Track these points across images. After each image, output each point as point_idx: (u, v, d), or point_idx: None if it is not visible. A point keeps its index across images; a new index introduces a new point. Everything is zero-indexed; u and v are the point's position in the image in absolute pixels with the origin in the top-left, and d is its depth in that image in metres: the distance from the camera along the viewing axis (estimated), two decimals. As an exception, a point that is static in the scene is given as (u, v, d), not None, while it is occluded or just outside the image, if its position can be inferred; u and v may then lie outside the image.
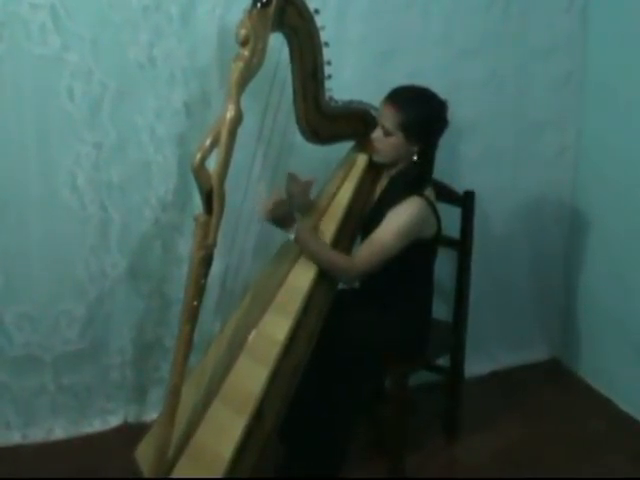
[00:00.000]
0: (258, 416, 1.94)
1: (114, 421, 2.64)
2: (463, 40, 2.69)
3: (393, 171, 2.29)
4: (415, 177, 2.22)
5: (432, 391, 2.74)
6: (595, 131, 2.90)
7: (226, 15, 2.36)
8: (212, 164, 1.80)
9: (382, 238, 2.15)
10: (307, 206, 2.28)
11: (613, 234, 2.83)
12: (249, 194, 2.08)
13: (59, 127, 2.33)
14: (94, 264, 2.48)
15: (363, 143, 2.33)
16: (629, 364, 2.77)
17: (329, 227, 2.22)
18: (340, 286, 2.27)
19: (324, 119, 2.18)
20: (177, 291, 2.46)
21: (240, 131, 1.80)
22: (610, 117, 2.80)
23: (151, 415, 2.61)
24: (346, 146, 2.39)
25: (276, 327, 2.06)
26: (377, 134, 2.21)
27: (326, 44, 2.06)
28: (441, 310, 2.61)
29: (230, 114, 1.78)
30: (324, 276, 2.15)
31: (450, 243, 2.51)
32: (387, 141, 2.19)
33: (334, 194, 2.30)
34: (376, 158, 2.28)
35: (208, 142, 1.78)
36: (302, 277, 2.13)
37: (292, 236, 2.09)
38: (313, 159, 2.39)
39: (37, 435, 2.54)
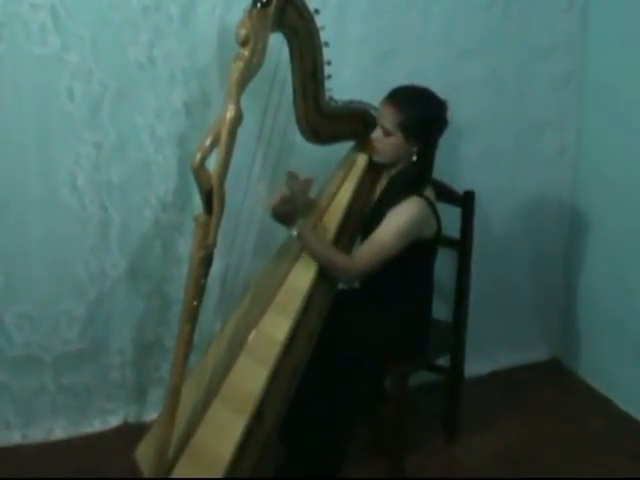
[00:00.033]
0: (258, 416, 1.94)
1: (114, 421, 2.64)
2: (463, 40, 2.69)
3: (393, 171, 2.29)
4: (415, 177, 2.22)
5: (432, 391, 2.73)
6: (595, 131, 2.90)
7: (226, 15, 2.35)
8: (212, 164, 1.80)
9: (382, 238, 2.15)
10: (307, 205, 2.28)
11: (613, 234, 2.83)
12: (249, 194, 2.08)
13: (59, 127, 2.33)
14: (94, 264, 2.48)
15: (363, 143, 2.33)
16: (629, 364, 2.77)
17: (329, 227, 2.22)
18: (340, 286, 2.27)
19: (324, 119, 2.18)
20: (177, 291, 2.46)
21: (240, 131, 1.80)
22: (610, 117, 2.80)
23: (151, 415, 2.61)
24: (346, 146, 2.39)
25: (276, 327, 2.06)
26: (377, 134, 2.21)
27: (326, 44, 2.06)
28: (441, 310, 2.61)
29: (230, 114, 1.78)
30: (324, 276, 2.15)
31: (450, 243, 2.51)
32: (387, 141, 2.19)
33: (334, 194, 2.30)
34: (376, 158, 2.28)
35: (208, 142, 1.79)
36: (302, 277, 2.13)
37: (295, 233, 2.09)
38: (313, 159, 2.39)
39: (37, 435, 2.54)
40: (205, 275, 1.85)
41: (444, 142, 2.29)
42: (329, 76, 2.13)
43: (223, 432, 1.93)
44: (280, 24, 1.90)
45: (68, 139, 2.35)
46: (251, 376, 1.99)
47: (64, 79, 2.29)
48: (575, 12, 2.84)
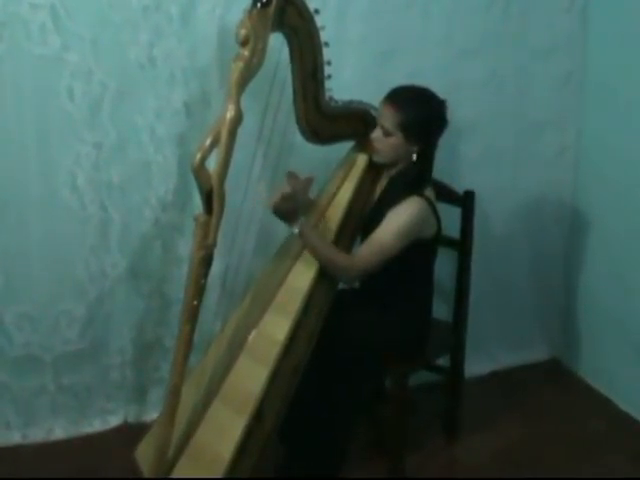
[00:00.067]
0: (258, 416, 1.94)
1: (114, 421, 2.64)
2: (463, 40, 2.69)
3: (393, 171, 2.29)
4: (415, 177, 2.22)
5: (432, 391, 2.73)
6: (595, 131, 2.90)
7: (226, 15, 2.35)
8: (212, 164, 1.80)
9: (382, 238, 2.15)
10: (307, 204, 2.28)
11: (613, 234, 2.83)
12: (249, 194, 2.08)
13: (59, 127, 2.33)
14: (94, 264, 2.48)
15: (363, 143, 2.33)
16: (629, 364, 2.77)
17: (329, 227, 2.22)
18: (340, 286, 2.27)
19: (324, 119, 2.18)
20: (177, 291, 2.46)
21: (240, 131, 1.80)
22: (610, 117, 2.80)
23: (151, 415, 2.61)
24: (346, 146, 2.39)
25: (276, 327, 2.06)
26: (377, 134, 2.21)
27: (326, 44, 2.06)
28: (441, 310, 2.61)
29: (230, 114, 1.78)
30: (324, 276, 2.15)
31: (450, 243, 2.51)
32: (387, 141, 2.19)
33: (334, 194, 2.30)
34: (376, 158, 2.28)
35: (208, 142, 1.79)
36: (302, 277, 2.13)
37: (296, 230, 2.09)
38: (313, 159, 2.39)
39: (37, 435, 2.54)
40: (205, 275, 1.85)
41: (444, 142, 2.29)
42: (329, 76, 2.13)
43: (223, 432, 1.93)
44: (280, 24, 1.90)
45: (68, 139, 2.35)
46: (251, 376, 1.99)
47: (64, 79, 2.29)
48: (575, 12, 2.84)
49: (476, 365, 2.90)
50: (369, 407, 2.59)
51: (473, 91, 2.74)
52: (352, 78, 2.50)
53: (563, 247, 3.09)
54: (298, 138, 2.21)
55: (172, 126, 2.44)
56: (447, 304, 2.65)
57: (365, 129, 2.27)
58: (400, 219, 2.15)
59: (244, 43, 1.79)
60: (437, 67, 2.64)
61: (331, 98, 2.18)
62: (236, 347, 2.09)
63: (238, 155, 1.84)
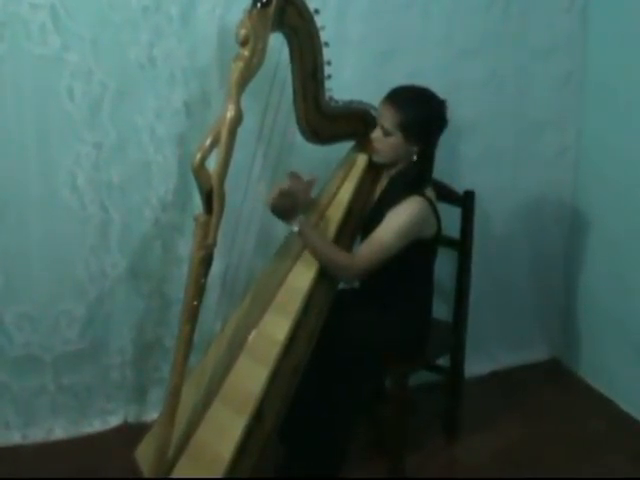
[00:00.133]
0: (258, 416, 1.94)
1: (114, 421, 2.63)
2: (463, 40, 2.69)
3: (393, 171, 2.29)
4: (415, 177, 2.22)
5: (432, 391, 2.73)
6: (595, 131, 2.90)
7: (226, 15, 2.35)
8: (212, 164, 1.80)
9: (382, 237, 2.15)
10: (308, 205, 2.28)
11: (613, 234, 2.83)
12: (249, 194, 2.08)
13: (59, 127, 2.33)
14: (94, 264, 2.48)
15: (363, 143, 2.33)
16: (629, 364, 2.77)
17: (329, 227, 2.22)
18: (340, 286, 2.27)
19: (324, 119, 2.18)
20: (177, 291, 2.46)
21: (240, 131, 1.80)
22: (610, 117, 2.80)
23: (151, 415, 2.61)
24: (346, 146, 2.39)
25: (276, 327, 2.06)
26: (377, 134, 2.22)
27: (326, 44, 2.06)
28: (441, 310, 2.61)
29: (230, 114, 1.78)
30: (324, 276, 2.15)
31: (450, 243, 2.51)
32: (387, 141, 2.19)
33: (334, 194, 2.30)
34: (376, 158, 2.28)
35: (208, 142, 1.79)
36: (302, 277, 2.13)
37: (296, 228, 2.09)
38: (313, 159, 2.39)
39: (37, 435, 2.54)
40: (205, 275, 1.85)
41: (444, 142, 2.29)
42: (329, 76, 2.13)
43: (223, 432, 1.93)
44: (280, 24, 1.90)
45: (68, 139, 2.35)
46: (251, 376, 1.99)
47: (64, 79, 2.29)
48: (575, 12, 2.84)
49: (476, 365, 2.90)
50: (369, 407, 2.59)
51: (473, 91, 2.74)
52: (352, 78, 2.50)
53: (563, 247, 3.09)
54: (298, 138, 2.21)
55: (172, 126, 2.43)
56: (447, 304, 2.65)
57: (365, 129, 2.27)
58: (400, 219, 2.15)
59: (244, 43, 1.79)
60: (437, 67, 2.64)
61: (331, 98, 2.18)
62: (236, 347, 2.09)
63: (238, 155, 1.84)
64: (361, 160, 2.35)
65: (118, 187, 2.44)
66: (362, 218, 2.30)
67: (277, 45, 1.97)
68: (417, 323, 2.35)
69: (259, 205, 2.13)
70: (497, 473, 2.44)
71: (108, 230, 2.47)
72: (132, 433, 2.42)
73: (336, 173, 2.36)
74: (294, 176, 2.21)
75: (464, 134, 2.75)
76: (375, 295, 2.32)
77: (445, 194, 2.43)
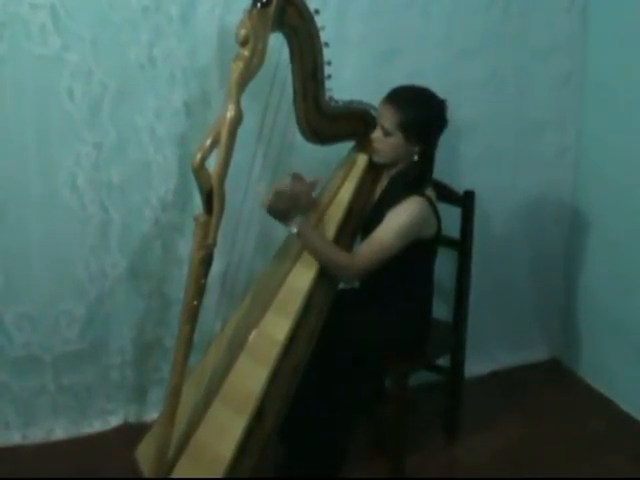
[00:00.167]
0: (258, 416, 1.94)
1: (114, 421, 2.63)
2: (463, 40, 2.69)
3: (393, 171, 2.29)
4: (415, 177, 2.22)
5: (432, 391, 2.73)
6: (595, 131, 2.90)
7: (226, 15, 2.35)
8: (212, 164, 1.80)
9: (382, 237, 2.15)
10: (310, 206, 2.28)
11: (613, 234, 2.83)
12: (249, 194, 2.08)
13: (59, 127, 2.33)
14: (94, 264, 2.48)
15: (363, 143, 2.33)
16: (629, 364, 2.77)
17: (329, 227, 2.22)
18: (340, 286, 2.27)
19: (324, 119, 2.18)
20: (177, 291, 2.46)
21: (240, 131, 1.80)
22: (610, 117, 2.80)
23: (151, 415, 2.61)
24: (346, 146, 2.39)
25: (276, 327, 2.06)
26: (377, 134, 2.22)
27: (326, 44, 2.06)
28: (441, 310, 2.61)
29: (230, 114, 1.78)
30: (324, 276, 2.15)
31: (450, 243, 2.51)
32: (387, 141, 2.19)
33: (334, 194, 2.30)
34: (376, 158, 2.28)
35: (208, 142, 1.79)
36: (302, 277, 2.13)
37: (294, 230, 2.09)
38: (313, 159, 2.39)
39: (37, 435, 2.54)
40: (205, 275, 1.85)
41: (444, 142, 2.29)
42: (329, 76, 2.13)
43: (223, 432, 1.93)
44: (280, 24, 1.90)
45: (68, 139, 2.35)
46: (251, 376, 1.99)
47: (64, 79, 2.29)
48: (575, 12, 2.84)
49: (476, 365, 2.90)
50: (369, 407, 2.59)
51: (473, 91, 2.74)
52: (352, 78, 2.50)
53: (563, 247, 3.09)
54: (298, 138, 2.21)
55: (172, 126, 2.44)
56: (447, 304, 2.65)
57: (365, 129, 2.27)
58: (400, 218, 2.15)
59: (244, 43, 1.79)
60: (437, 67, 2.64)
61: (331, 98, 2.18)
62: (236, 347, 2.09)
63: (238, 155, 1.84)
64: (361, 160, 2.35)
65: (118, 187, 2.44)
66: (362, 218, 2.30)
67: (277, 45, 1.97)
68: (417, 323, 2.35)
69: (258, 207, 2.13)
70: (497, 473, 2.44)
71: (108, 230, 2.47)
72: (132, 433, 2.42)
73: (336, 173, 2.36)
74: (297, 177, 2.22)
75: (464, 134, 2.75)
76: (375, 295, 2.32)
77: (445, 194, 2.43)
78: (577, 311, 3.06)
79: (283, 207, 2.06)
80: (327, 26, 2.05)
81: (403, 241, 2.15)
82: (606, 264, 2.88)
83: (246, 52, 1.79)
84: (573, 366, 3.08)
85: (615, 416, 2.78)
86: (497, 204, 2.89)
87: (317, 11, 1.99)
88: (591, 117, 2.90)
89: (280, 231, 2.26)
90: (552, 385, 2.99)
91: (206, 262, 1.83)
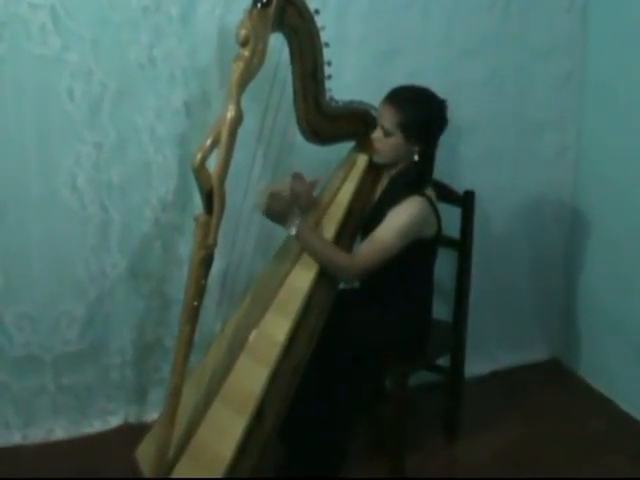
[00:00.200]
0: (258, 416, 1.94)
1: (114, 421, 2.63)
2: (463, 40, 2.69)
3: (393, 171, 2.29)
4: (415, 177, 2.22)
5: (432, 391, 2.73)
6: (595, 131, 2.90)
7: (226, 15, 2.35)
8: (212, 164, 1.80)
9: (383, 237, 2.15)
10: (311, 206, 2.28)
11: (613, 234, 2.83)
12: (249, 194, 2.08)
13: (59, 127, 2.33)
14: (94, 264, 2.48)
15: (363, 143, 2.33)
16: (629, 364, 2.77)
17: (329, 227, 2.22)
18: (340, 286, 2.27)
19: (324, 119, 2.18)
20: (177, 291, 2.46)
21: (240, 131, 1.80)
22: (610, 117, 2.80)
23: (151, 415, 2.61)
24: (346, 146, 2.39)
25: (276, 327, 2.06)
26: (377, 134, 2.22)
27: (326, 44, 2.06)
28: (441, 310, 2.61)
29: (230, 114, 1.78)
30: (325, 276, 2.15)
31: (450, 243, 2.51)
32: (387, 141, 2.19)
33: (334, 194, 2.30)
34: (376, 159, 2.28)
35: (208, 142, 1.79)
36: (303, 277, 2.13)
37: (293, 231, 2.09)
38: (313, 159, 2.39)
39: (37, 435, 2.54)
40: (205, 275, 1.85)
41: (444, 142, 2.29)
42: (329, 76, 2.12)
43: (223, 432, 1.93)
44: (280, 24, 1.89)
45: (68, 139, 2.35)
46: (251, 376, 1.99)
47: (64, 79, 2.29)
48: (575, 12, 2.84)
49: (476, 365, 2.89)
50: (369, 407, 2.59)
51: (473, 91, 2.74)
52: (352, 78, 2.50)
53: (563, 247, 3.09)
54: (298, 138, 2.21)
55: (172, 126, 2.43)
56: (447, 304, 2.65)
57: (365, 129, 2.27)
58: (401, 218, 2.15)
59: (244, 43, 1.79)
60: (437, 67, 2.64)
61: (331, 98, 2.18)
62: (236, 347, 2.09)
63: (238, 155, 1.84)
64: (361, 160, 2.35)
65: (118, 187, 2.44)
66: (362, 218, 2.30)
67: (277, 45, 1.97)
68: (417, 323, 2.35)
69: (255, 208, 2.12)
70: (497, 473, 2.44)
71: (108, 230, 2.47)
72: (132, 433, 2.42)
73: (336, 173, 2.36)
74: (297, 177, 2.22)
75: (464, 134, 2.75)
76: (375, 295, 2.32)
77: (445, 194, 2.43)
78: (577, 311, 3.06)
79: (279, 209, 2.07)
80: (327, 26, 2.05)
81: (403, 241, 2.15)
82: (606, 264, 2.88)
83: (246, 52, 1.79)
84: (573, 366, 3.08)
85: (615, 416, 2.78)
86: (497, 204, 2.89)
87: (317, 11, 1.99)
88: (591, 117, 2.90)
89: (280, 231, 2.25)
90: (552, 385, 2.99)
91: (206, 262, 1.83)
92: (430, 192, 2.24)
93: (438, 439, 2.62)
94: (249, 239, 2.22)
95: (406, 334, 2.30)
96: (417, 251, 2.20)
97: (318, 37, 2.03)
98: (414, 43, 2.62)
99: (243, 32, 1.79)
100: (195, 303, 1.85)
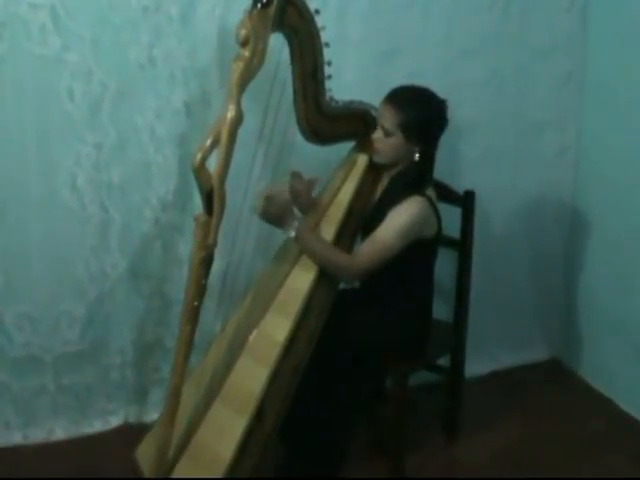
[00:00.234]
0: (258, 416, 1.94)
1: (115, 421, 2.64)
2: (463, 40, 2.69)
3: (394, 171, 2.29)
4: (416, 177, 2.22)
5: (432, 391, 2.73)
6: (595, 131, 2.90)
7: (226, 15, 2.35)
8: (212, 164, 1.80)
9: (383, 237, 2.15)
10: (310, 205, 2.28)
11: (613, 234, 2.83)
12: (249, 194, 2.08)
13: (59, 127, 2.33)
14: (94, 264, 2.48)
15: (363, 143, 2.33)
16: (629, 364, 2.78)
17: (329, 228, 2.21)
18: (340, 286, 2.27)
19: (324, 119, 2.17)
20: (177, 291, 2.46)
21: (240, 131, 1.80)
22: (610, 117, 2.80)
23: (152, 415, 2.61)
24: (346, 146, 2.39)
25: (276, 327, 2.06)
26: (378, 135, 2.21)
27: (326, 44, 2.06)
28: (441, 310, 2.61)
29: (231, 114, 1.78)
30: (325, 276, 2.14)
31: (450, 243, 2.51)
32: (387, 142, 2.19)
33: (334, 195, 2.30)
34: (376, 159, 2.28)
35: (209, 142, 1.79)
36: (303, 277, 2.13)
37: (292, 234, 2.09)
38: (313, 159, 2.39)
39: (38, 435, 2.54)
40: (206, 275, 1.85)
41: (444, 142, 2.29)
42: (329, 76, 2.12)
43: (224, 432, 1.93)
44: (280, 24, 1.89)
45: (68, 139, 2.35)
46: (252, 376, 1.99)
47: (64, 79, 2.29)
48: (575, 12, 2.84)
49: (476, 365, 2.89)
50: (369, 407, 2.59)
51: (473, 91, 2.74)
52: (352, 78, 2.50)
53: (563, 247, 3.09)
54: (298, 138, 2.20)
55: (172, 126, 2.43)
56: (447, 304, 2.65)
57: (365, 129, 2.27)
58: (401, 218, 2.15)
59: (244, 43, 1.79)
60: (437, 67, 2.64)
61: (331, 98, 2.18)
62: (237, 347, 2.09)
63: (238, 155, 1.84)
64: (362, 160, 2.35)
65: (118, 187, 2.44)
66: (363, 218, 2.29)
67: (277, 45, 1.97)
68: (417, 323, 2.35)
69: (251, 211, 2.12)
70: (497, 473, 2.44)
71: (108, 230, 2.47)
72: (132, 433, 2.42)
73: (336, 173, 2.36)
74: (296, 176, 2.22)
75: (464, 134, 2.75)
76: (375, 295, 2.32)
77: (445, 194, 2.43)
78: (577, 311, 3.06)
79: (276, 212, 2.06)
80: (327, 26, 2.05)
81: (404, 241, 2.15)
82: (606, 264, 2.88)
83: (246, 52, 1.79)
84: (573, 366, 3.08)
85: (615, 416, 2.78)
86: (497, 204, 2.89)
87: (317, 11, 1.99)
88: (591, 117, 2.90)
89: (280, 231, 2.25)
90: (552, 385, 2.99)
91: (206, 262, 1.83)
92: (430, 192, 2.23)
93: (438, 439, 2.62)
94: (249, 239, 2.22)
95: (406, 334, 2.30)
96: (417, 251, 2.20)
97: (318, 37, 2.03)
98: (414, 43, 2.62)
99: (243, 32, 1.79)
100: (195, 303, 1.85)
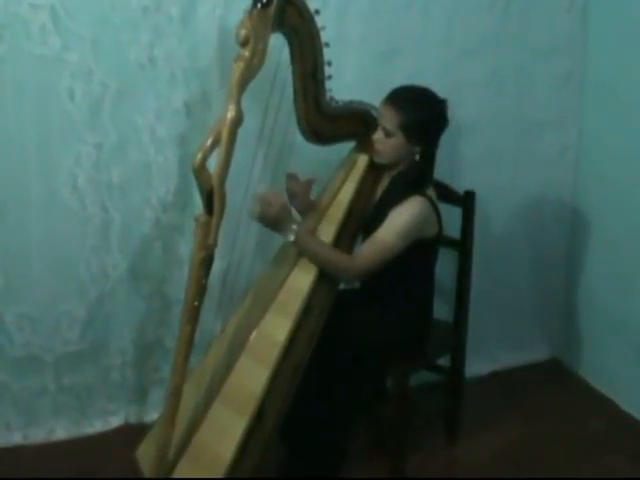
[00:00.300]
0: (259, 416, 1.94)
1: (115, 421, 2.64)
2: (463, 40, 2.69)
3: (394, 171, 2.29)
4: (416, 177, 2.22)
5: (432, 391, 2.73)
6: (595, 131, 2.90)
7: (226, 15, 2.35)
8: (213, 164, 1.80)
9: (384, 237, 2.15)
10: (308, 206, 2.28)
11: (613, 234, 2.83)
12: (250, 194, 2.08)
13: (59, 127, 2.33)
14: (95, 264, 2.48)
15: (364, 143, 2.33)
16: (629, 364, 2.78)
17: (330, 228, 2.21)
18: (341, 286, 2.27)
19: (325, 119, 2.17)
20: (178, 292, 2.46)
21: (241, 131, 1.80)
22: (610, 117, 2.81)
23: (152, 415, 2.61)
24: (347, 147, 2.39)
25: (277, 328, 2.06)
26: (378, 135, 2.21)
27: (326, 44, 2.06)
28: (441, 310, 2.61)
29: (231, 114, 1.78)
30: (325, 277, 2.14)
31: (450, 243, 2.51)
32: (388, 142, 2.19)
33: (335, 195, 2.30)
34: (377, 159, 2.28)
35: (209, 142, 1.78)
36: (303, 277, 2.13)
37: (291, 238, 2.09)
38: (314, 159, 2.39)
39: (38, 435, 2.54)
40: (206, 275, 1.85)
41: (444, 142, 2.29)
42: (329, 76, 2.12)
43: (224, 432, 1.93)
44: (280, 24, 1.89)
45: (68, 139, 2.35)
46: (252, 376, 1.99)
47: (64, 79, 2.29)
48: (575, 12, 2.84)
49: (476, 365, 2.90)
50: (369, 407, 2.59)
51: (473, 91, 2.74)
52: (352, 78, 2.50)
53: (563, 247, 3.09)
54: (299, 138, 2.20)
55: (172, 126, 2.43)
56: (447, 304, 2.65)
57: (366, 129, 2.27)
58: (402, 218, 2.15)
59: (244, 43, 1.79)
60: (437, 67, 2.64)
61: (332, 98, 2.18)
62: (237, 347, 2.09)
63: (239, 155, 1.84)
64: (362, 160, 2.35)
65: (118, 187, 2.44)
66: (363, 219, 2.29)
67: (278, 45, 1.97)
68: (417, 323, 2.35)
69: (248, 216, 2.12)
70: (497, 473, 2.44)
71: (109, 230, 2.47)
72: (133, 433, 2.42)
73: (337, 174, 2.36)
74: (291, 177, 2.21)
75: (464, 134, 2.75)
76: (376, 295, 2.32)
77: (445, 194, 2.42)
78: (577, 311, 3.06)
79: (274, 215, 2.05)
80: (327, 26, 2.05)
81: (405, 241, 2.15)
82: (606, 264, 2.89)
83: (247, 52, 1.79)
84: (573, 366, 3.08)
85: (615, 416, 2.78)
86: (497, 204, 2.89)
87: (317, 11, 1.99)
88: (591, 117, 2.91)
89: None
90: (552, 385, 2.99)
91: (207, 262, 1.83)
92: (431, 192, 2.23)
93: (438, 439, 2.62)
94: (249, 239, 2.22)
95: (406, 334, 2.30)
96: (418, 251, 2.20)
97: (318, 37, 2.03)
98: (414, 43, 2.62)
99: (243, 32, 1.79)
100: (195, 303, 1.85)
